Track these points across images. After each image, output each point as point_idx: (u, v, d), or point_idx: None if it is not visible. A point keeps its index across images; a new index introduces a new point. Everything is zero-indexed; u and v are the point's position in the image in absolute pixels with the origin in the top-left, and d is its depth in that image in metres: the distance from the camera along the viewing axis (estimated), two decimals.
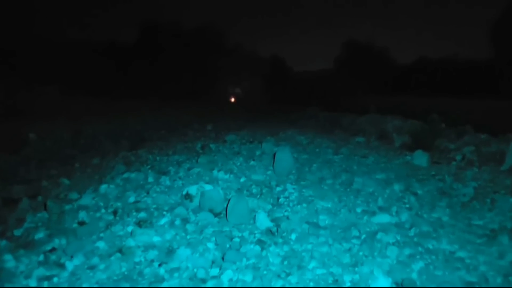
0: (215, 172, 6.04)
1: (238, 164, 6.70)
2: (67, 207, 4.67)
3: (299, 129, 11.77)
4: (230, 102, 24.56)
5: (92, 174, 7.00)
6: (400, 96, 18.79)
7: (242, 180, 5.67)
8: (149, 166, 6.87)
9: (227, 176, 5.79)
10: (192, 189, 4.68)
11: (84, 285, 2.93)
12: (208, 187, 4.75)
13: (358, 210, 4.43)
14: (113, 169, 6.90)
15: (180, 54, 22.74)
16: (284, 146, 7.30)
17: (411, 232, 3.81)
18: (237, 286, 2.93)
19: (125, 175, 6.12)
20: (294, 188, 5.25)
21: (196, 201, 4.56)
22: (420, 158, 6.86)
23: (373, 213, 4.32)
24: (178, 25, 24.80)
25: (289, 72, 32.03)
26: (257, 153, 7.72)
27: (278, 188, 5.27)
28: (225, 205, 4.25)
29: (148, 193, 5.02)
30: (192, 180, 5.60)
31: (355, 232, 3.79)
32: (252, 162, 6.73)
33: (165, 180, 5.65)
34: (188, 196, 4.65)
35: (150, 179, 5.78)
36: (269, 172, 6.16)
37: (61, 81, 15.70)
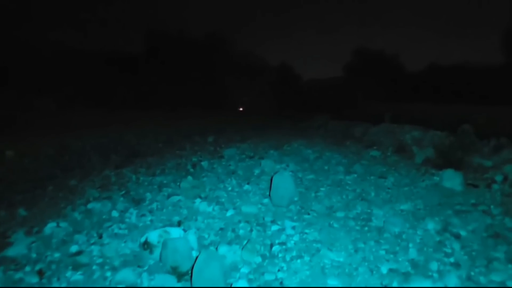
0: (197, 202, 4.68)
1: (229, 189, 5.33)
2: None
3: (306, 140, 10.33)
4: (238, 111, 23.24)
5: (60, 200, 5.72)
6: (414, 103, 17.08)
7: (228, 213, 4.29)
8: (123, 192, 5.55)
9: (210, 209, 4.42)
10: (153, 236, 3.31)
11: None
12: (175, 232, 3.38)
13: (383, 269, 2.98)
14: (84, 195, 5.63)
15: (186, 63, 21.61)
16: (283, 169, 5.90)
17: None
18: None
19: (90, 205, 4.83)
20: (294, 227, 3.83)
21: (157, 253, 3.20)
22: (452, 180, 5.36)
23: (406, 276, 2.87)
24: (185, 33, 23.72)
25: (298, 80, 30.59)
26: (256, 172, 6.35)
27: (274, 227, 3.86)
28: (194, 261, 2.89)
29: (101, 237, 3.68)
30: (164, 215, 4.26)
31: None
32: (246, 186, 5.35)
33: (132, 215, 4.32)
34: (147, 246, 3.28)
35: (115, 214, 4.44)
36: (265, 201, 4.76)
37: (58, 92, 14.72)
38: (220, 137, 11.64)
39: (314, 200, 4.83)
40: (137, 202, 4.99)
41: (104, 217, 4.46)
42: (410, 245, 3.41)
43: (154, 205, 4.63)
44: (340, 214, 4.29)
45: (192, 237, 3.39)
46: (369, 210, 4.35)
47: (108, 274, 2.95)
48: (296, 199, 4.82)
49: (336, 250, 3.32)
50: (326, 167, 6.70)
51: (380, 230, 3.78)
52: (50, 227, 4.02)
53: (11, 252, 3.42)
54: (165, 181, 6.13)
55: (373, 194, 5.00)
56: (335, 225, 3.93)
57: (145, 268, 3.04)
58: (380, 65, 27.77)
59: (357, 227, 3.88)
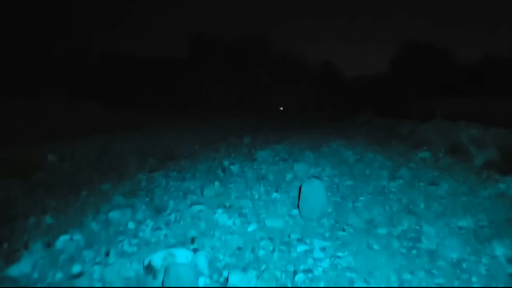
0: (218, 212, 4.16)
1: (256, 197, 4.75)
2: None
3: (347, 140, 9.46)
4: (278, 110, 22.57)
5: (88, 207, 5.52)
6: (468, 98, 15.18)
7: (250, 228, 3.71)
8: (148, 199, 5.21)
9: (230, 222, 3.87)
10: (156, 259, 2.83)
11: None
12: (181, 254, 2.86)
13: None
14: (110, 201, 5.39)
15: (227, 64, 21.37)
16: (318, 174, 5.21)
17: None
18: None
19: (111, 214, 4.51)
20: (324, 249, 3.15)
21: (160, 279, 2.71)
22: None
23: None
24: (225, 35, 23.46)
25: (341, 77, 29.15)
26: (288, 177, 5.71)
27: (300, 247, 3.21)
28: None
29: (108, 254, 3.29)
30: (180, 229, 3.79)
31: None
32: (274, 195, 4.73)
33: (147, 227, 3.90)
34: (150, 270, 2.81)
35: (131, 225, 4.06)
36: (294, 212, 4.12)
37: (104, 96, 15.13)
38: (257, 137, 11.11)
39: (351, 212, 4.10)
40: (158, 211, 4.60)
41: (121, 228, 4.11)
42: (474, 278, 2.60)
43: (173, 216, 4.18)
44: (382, 231, 3.53)
45: (202, 260, 2.86)
46: (418, 227, 3.54)
47: None
48: (329, 210, 4.12)
49: (375, 282, 2.61)
50: (367, 171, 5.88)
51: (432, 254, 2.98)
52: (62, 240, 3.71)
53: (14, 270, 3.13)
54: (192, 187, 5.71)
55: (422, 205, 4.14)
56: (375, 246, 3.19)
57: None
58: (429, 58, 25.48)
59: (403, 250, 3.11)
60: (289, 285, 2.63)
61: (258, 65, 23.75)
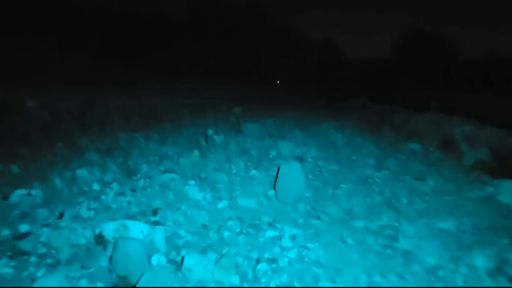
0: (190, 184, 3.86)
1: (234, 172, 4.45)
2: None
3: (338, 122, 9.13)
4: (276, 84, 21.95)
5: (59, 160, 5.18)
6: (467, 94, 14.78)
7: (220, 205, 3.42)
8: (121, 159, 4.87)
9: (200, 196, 3.58)
10: (108, 229, 2.53)
11: None
12: (136, 228, 2.56)
13: None
14: (83, 157, 5.05)
15: (227, 30, 20.42)
16: (296, 157, 4.90)
17: None
18: None
19: (79, 171, 4.18)
20: (294, 237, 2.90)
21: (110, 250, 2.43)
22: (511, 194, 4.11)
23: None
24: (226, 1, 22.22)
25: (342, 57, 28.33)
26: (271, 154, 5.41)
27: (269, 232, 2.95)
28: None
29: (61, 216, 2.99)
30: (145, 197, 3.49)
31: None
32: (253, 172, 4.43)
33: (112, 191, 3.59)
34: (100, 240, 2.52)
35: (96, 186, 3.75)
36: (270, 193, 3.84)
37: (97, 49, 14.31)
38: (249, 109, 10.69)
39: (330, 199, 3.84)
40: (129, 174, 4.29)
41: (85, 188, 3.80)
42: None
43: (142, 182, 3.87)
44: (358, 224, 3.29)
45: (159, 236, 2.57)
46: (396, 224, 3.29)
47: (39, 274, 2.23)
48: (308, 195, 3.85)
49: (341, 282, 2.37)
50: (353, 157, 5.60)
51: (407, 256, 2.75)
52: (19, 194, 3.39)
53: None
54: (170, 152, 5.39)
55: (405, 200, 3.89)
56: (349, 240, 2.94)
57: (90, 270, 2.29)
58: (432, 48, 24.77)
59: (378, 247, 2.87)
60: (249, 275, 2.37)
61: (258, 35, 22.77)
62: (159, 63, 16.55)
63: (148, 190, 3.66)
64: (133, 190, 3.62)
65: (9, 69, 11.50)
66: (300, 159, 5.15)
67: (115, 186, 3.74)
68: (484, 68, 22.48)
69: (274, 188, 3.73)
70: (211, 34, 20.35)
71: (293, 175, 3.53)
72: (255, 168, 4.50)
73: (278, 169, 3.71)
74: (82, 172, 4.17)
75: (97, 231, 2.56)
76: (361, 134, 7.62)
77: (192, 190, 3.64)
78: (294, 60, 23.88)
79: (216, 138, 5.99)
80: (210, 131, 6.61)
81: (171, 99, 11.70)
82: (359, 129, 8.33)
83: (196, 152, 5.23)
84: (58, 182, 3.93)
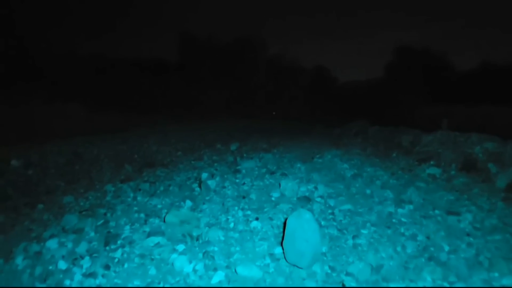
0: (178, 250, 3.07)
1: (232, 226, 3.65)
2: None
3: (342, 150, 8.42)
4: (271, 115, 21.48)
5: (34, 227, 4.44)
6: (471, 106, 14.17)
7: (215, 279, 2.61)
8: (102, 220, 4.11)
9: (190, 268, 2.77)
10: None
11: None
12: None
13: None
14: (60, 222, 4.30)
15: (216, 68, 20.23)
16: (303, 209, 4.14)
17: None
18: None
19: (48, 243, 3.43)
20: None
21: None
22: None
23: None
24: (214, 38, 22.28)
25: (334, 82, 28.14)
26: (273, 196, 4.64)
27: None
28: None
29: None
30: (120, 278, 2.69)
31: None
32: (254, 223, 3.64)
33: (80, 270, 2.81)
34: None
35: (62, 265, 2.96)
36: (277, 251, 3.03)
37: (89, 97, 13.89)
38: (245, 144, 10.03)
39: (352, 253, 3.03)
40: (107, 242, 3.49)
41: (50, 267, 3.01)
42: None
43: (119, 253, 3.08)
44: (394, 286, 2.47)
45: None
46: (446, 284, 2.47)
47: None
48: (324, 250, 3.04)
49: None
50: (368, 191, 4.81)
51: None
52: None
53: None
54: (159, 206, 4.63)
55: (446, 247, 3.07)
56: None
57: None
58: (425, 64, 24.55)
59: None
60: None
61: (248, 69, 22.64)
62: (153, 107, 16.12)
63: (126, 265, 2.86)
64: (106, 267, 2.82)
65: None
66: (308, 200, 4.38)
67: (85, 262, 2.95)
68: (480, 78, 22.09)
69: (282, 245, 2.93)
70: (204, 75, 20.15)
71: (304, 230, 2.75)
72: (257, 219, 3.71)
73: (285, 222, 2.93)
74: (52, 245, 3.41)
75: None
76: (369, 161, 6.88)
77: (180, 260, 2.84)
78: (287, 89, 23.60)
79: (211, 182, 5.23)
80: (205, 175, 5.87)
81: (164, 141, 11.06)
82: (366, 156, 7.60)
83: (188, 203, 4.49)
84: (20, 261, 3.15)
